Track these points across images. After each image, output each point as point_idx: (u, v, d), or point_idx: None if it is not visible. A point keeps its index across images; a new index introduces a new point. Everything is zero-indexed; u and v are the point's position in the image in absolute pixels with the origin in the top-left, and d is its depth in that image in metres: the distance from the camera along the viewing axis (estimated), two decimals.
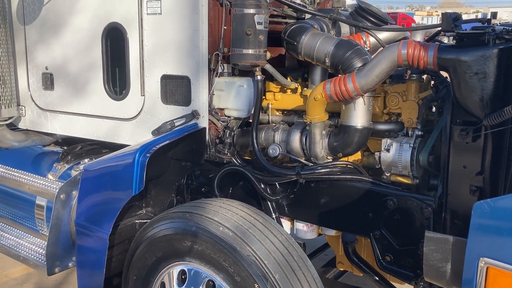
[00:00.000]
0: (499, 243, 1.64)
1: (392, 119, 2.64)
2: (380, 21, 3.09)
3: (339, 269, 3.20)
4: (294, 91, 2.93)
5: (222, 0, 2.65)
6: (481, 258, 1.66)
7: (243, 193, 2.86)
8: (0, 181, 3.46)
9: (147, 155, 2.46)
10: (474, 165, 2.14)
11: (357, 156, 2.72)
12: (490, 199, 1.67)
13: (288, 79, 2.94)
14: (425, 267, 2.04)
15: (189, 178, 3.05)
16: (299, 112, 2.84)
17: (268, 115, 2.94)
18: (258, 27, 2.59)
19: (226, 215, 2.25)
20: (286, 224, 2.93)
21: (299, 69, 3.24)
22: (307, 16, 3.06)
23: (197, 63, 2.68)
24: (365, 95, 2.41)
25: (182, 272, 2.37)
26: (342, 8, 3.68)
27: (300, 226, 2.92)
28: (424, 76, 2.67)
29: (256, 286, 2.04)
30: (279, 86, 2.96)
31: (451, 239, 1.94)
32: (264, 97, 2.95)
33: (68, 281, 3.90)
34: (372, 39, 3.04)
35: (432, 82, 2.63)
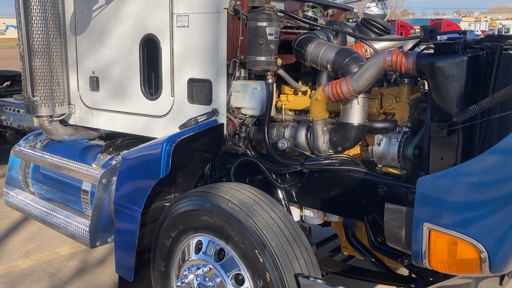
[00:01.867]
0: (437, 211, 1.98)
1: (387, 118, 2.99)
2: (383, 31, 3.45)
3: (344, 253, 3.55)
4: (304, 93, 3.32)
5: (239, 14, 3.09)
6: (424, 223, 2.02)
7: (258, 183, 3.26)
8: (54, 169, 4.03)
9: (173, 144, 2.93)
10: (450, 156, 2.47)
11: (357, 150, 3.08)
12: (430, 175, 2.02)
13: (300, 82, 3.35)
14: (386, 233, 2.39)
15: (212, 169, 3.50)
16: (308, 112, 3.24)
17: (282, 114, 3.35)
18: (270, 37, 3.02)
19: (235, 194, 2.67)
20: (295, 211, 3.32)
21: (312, 74, 3.63)
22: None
23: (217, 68, 3.14)
24: (359, 96, 2.78)
25: (199, 243, 2.81)
26: (354, 20, 4.06)
27: (308, 212, 3.31)
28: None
29: (256, 252, 2.44)
30: (293, 89, 3.36)
31: (404, 209, 2.29)
32: (278, 98, 3.37)
33: (108, 259, 4.43)
34: (376, 47, 3.41)
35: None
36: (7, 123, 6.48)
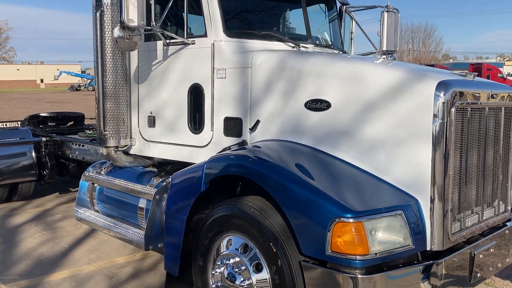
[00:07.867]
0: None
1: None
2: None
3: None
4: None
5: None
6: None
7: None
8: (118, 189, 5.02)
9: None
10: None
11: None
12: None
13: None
14: None
15: (242, 189, 4.36)
16: None
17: None
18: None
19: (256, 202, 3.51)
20: None
21: None
22: None
23: (246, 109, 4.08)
24: None
25: (229, 241, 3.66)
26: None
27: None
28: None
29: (271, 244, 3.26)
30: None
31: None
32: None
33: (155, 268, 5.29)
34: None
35: None
36: (72, 156, 7.64)
